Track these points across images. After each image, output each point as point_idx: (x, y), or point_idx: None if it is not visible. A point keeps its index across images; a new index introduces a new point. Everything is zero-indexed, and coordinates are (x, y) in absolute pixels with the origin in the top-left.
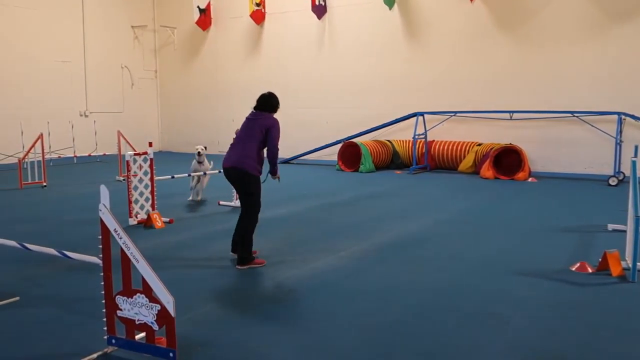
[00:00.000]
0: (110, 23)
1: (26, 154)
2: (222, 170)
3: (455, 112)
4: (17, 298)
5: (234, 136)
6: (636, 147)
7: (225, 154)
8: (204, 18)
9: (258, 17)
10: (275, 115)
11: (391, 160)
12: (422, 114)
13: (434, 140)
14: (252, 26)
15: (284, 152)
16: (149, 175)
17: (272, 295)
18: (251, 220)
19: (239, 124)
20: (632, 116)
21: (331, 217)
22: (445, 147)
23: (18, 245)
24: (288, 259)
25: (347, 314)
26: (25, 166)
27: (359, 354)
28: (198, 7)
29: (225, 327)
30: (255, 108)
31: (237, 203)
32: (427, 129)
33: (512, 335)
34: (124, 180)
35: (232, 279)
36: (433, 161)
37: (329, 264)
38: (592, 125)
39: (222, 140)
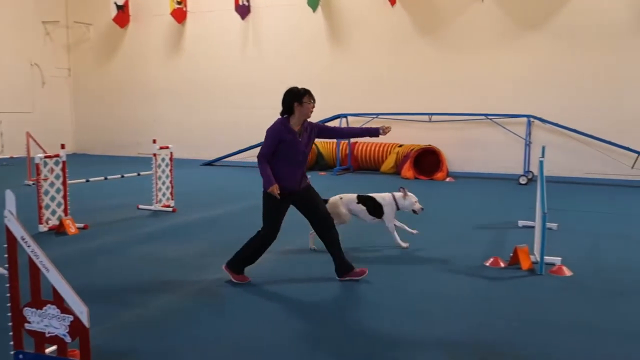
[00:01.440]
0: (19, 18)
1: None
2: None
3: (378, 114)
4: None
5: None
6: (543, 148)
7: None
8: (122, 15)
9: (179, 15)
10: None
11: (315, 162)
12: (345, 115)
13: (357, 142)
14: (174, 25)
15: (209, 153)
16: (61, 179)
17: (197, 300)
18: (256, 236)
19: (161, 125)
20: (540, 119)
21: (254, 220)
22: (368, 149)
23: None
24: (212, 263)
25: (272, 314)
26: None
27: (283, 356)
28: (115, 3)
29: (145, 335)
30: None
31: (157, 207)
32: None
33: (434, 331)
34: (33, 184)
35: (151, 285)
36: (356, 162)
37: (253, 267)
38: (504, 127)
39: (143, 141)
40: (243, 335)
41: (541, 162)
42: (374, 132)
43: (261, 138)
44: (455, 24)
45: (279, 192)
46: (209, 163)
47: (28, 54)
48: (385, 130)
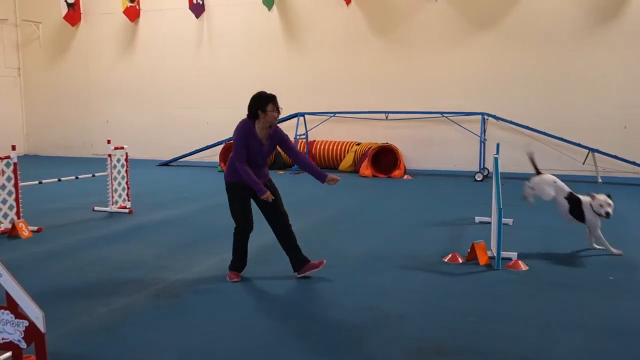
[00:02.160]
0: None
1: None
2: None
3: (335, 113)
4: None
5: None
6: (498, 145)
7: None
8: (73, 13)
9: (132, 14)
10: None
11: (273, 161)
12: (303, 114)
13: (315, 140)
14: (126, 23)
15: (165, 153)
16: (12, 181)
17: (155, 302)
18: (234, 235)
19: (115, 125)
20: (494, 116)
21: (213, 220)
22: (326, 147)
23: None
24: (170, 264)
25: (231, 316)
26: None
27: (243, 356)
28: (66, 1)
29: (105, 338)
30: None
31: (113, 208)
32: (308, 129)
33: (392, 327)
34: None
35: (110, 288)
36: (315, 161)
37: (211, 267)
38: (460, 125)
39: (96, 141)
40: (201, 337)
41: (496, 159)
42: (320, 177)
43: (217, 137)
44: (410, 23)
45: (273, 197)
46: (165, 163)
47: None
48: (331, 182)
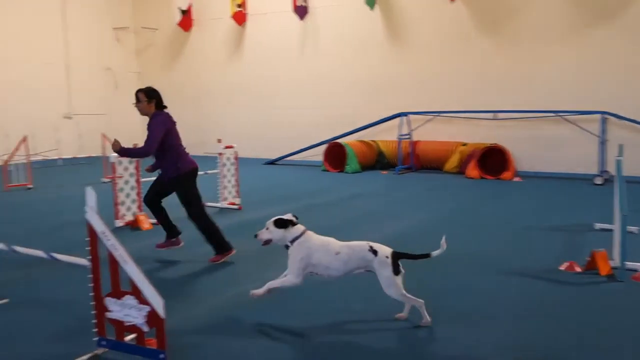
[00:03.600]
0: (92, 25)
1: (11, 156)
2: (192, 171)
3: (440, 112)
4: (7, 300)
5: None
6: (620, 147)
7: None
8: (186, 19)
9: (239, 18)
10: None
11: (377, 161)
12: (406, 114)
13: (418, 141)
14: (234, 27)
15: (271, 152)
16: (135, 177)
17: (262, 298)
18: (198, 223)
19: (224, 125)
20: (615, 115)
21: (316, 218)
22: (430, 148)
23: (5, 248)
24: (273, 261)
25: (339, 315)
26: (10, 168)
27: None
28: (179, 8)
29: (217, 329)
30: (164, 107)
31: (223, 204)
32: (411, 129)
33: (503, 336)
34: (109, 181)
35: (223, 281)
36: (418, 161)
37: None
38: (576, 125)
39: (208, 140)
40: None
41: (618, 161)
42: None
43: (321, 137)
44: (519, 18)
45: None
46: (271, 162)
47: (101, 59)
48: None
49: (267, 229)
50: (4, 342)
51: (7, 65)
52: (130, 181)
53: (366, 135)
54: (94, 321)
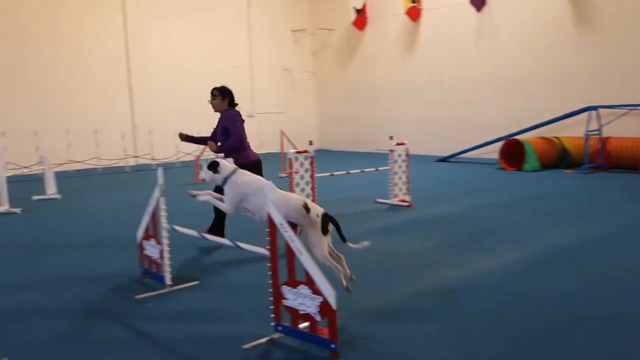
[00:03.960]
0: (273, 28)
1: (201, 154)
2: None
3: (636, 105)
4: (197, 282)
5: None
6: None
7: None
8: (360, 18)
9: (414, 13)
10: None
11: (560, 159)
12: (595, 108)
13: (610, 137)
14: (408, 23)
15: (441, 149)
16: (309, 172)
17: (430, 295)
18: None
19: (396, 122)
20: None
21: (487, 218)
22: (624, 145)
23: (231, 244)
24: (447, 259)
25: (502, 319)
26: (201, 163)
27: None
28: (354, 7)
29: (385, 324)
30: (236, 104)
31: (394, 201)
32: (601, 124)
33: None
34: (286, 176)
35: (388, 277)
36: (609, 159)
37: (487, 266)
38: None
39: (380, 138)
40: (479, 338)
41: None
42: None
43: (496, 133)
44: None
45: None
46: (444, 159)
47: (280, 61)
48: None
49: (202, 170)
50: (195, 318)
51: (205, 69)
52: (305, 176)
53: (548, 131)
54: (271, 307)
